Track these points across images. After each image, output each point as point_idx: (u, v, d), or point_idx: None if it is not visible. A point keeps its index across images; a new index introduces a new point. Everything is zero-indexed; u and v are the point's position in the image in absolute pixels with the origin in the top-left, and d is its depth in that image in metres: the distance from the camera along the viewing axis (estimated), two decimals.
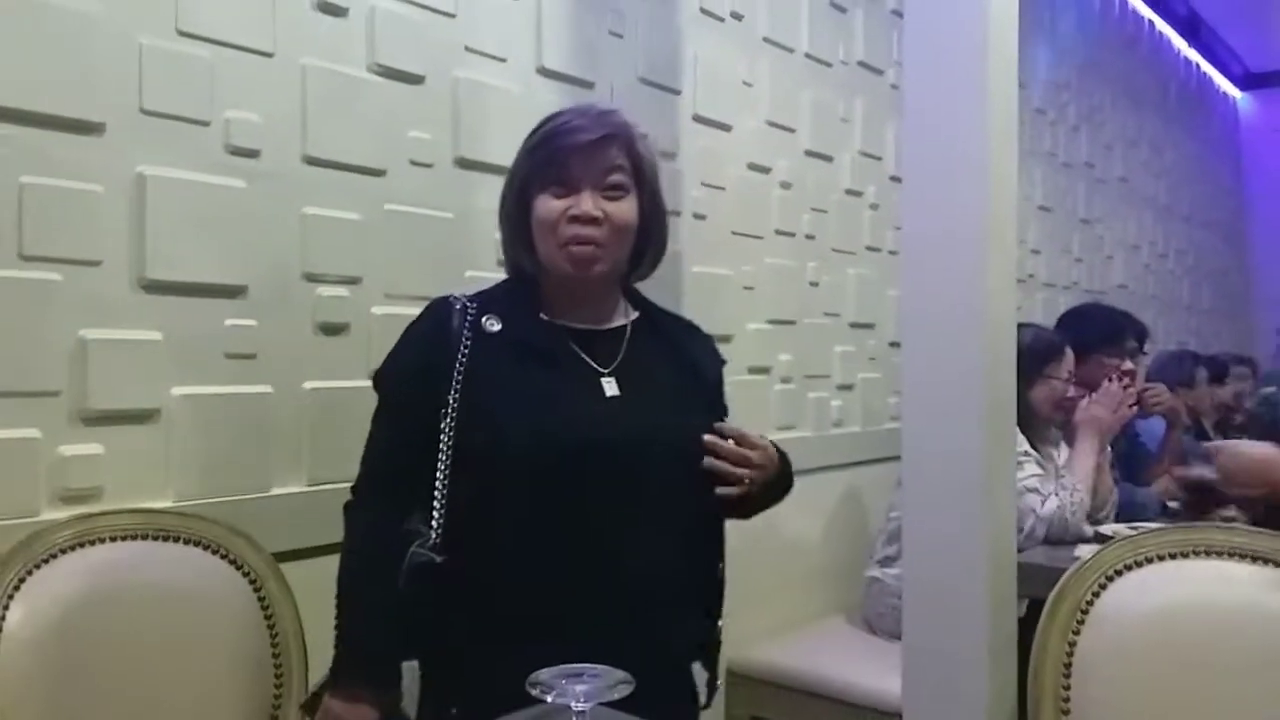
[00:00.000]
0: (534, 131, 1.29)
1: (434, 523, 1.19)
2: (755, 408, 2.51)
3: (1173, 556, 1.25)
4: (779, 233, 2.65)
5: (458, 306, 1.26)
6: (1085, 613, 1.29)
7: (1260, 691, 1.14)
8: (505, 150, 1.87)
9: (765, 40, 2.61)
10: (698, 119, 2.40)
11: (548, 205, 1.23)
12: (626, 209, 1.24)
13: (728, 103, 2.49)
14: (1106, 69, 4.55)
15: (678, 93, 2.35)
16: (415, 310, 1.70)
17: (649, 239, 1.30)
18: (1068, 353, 2.38)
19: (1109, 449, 2.39)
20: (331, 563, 1.25)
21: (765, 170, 2.61)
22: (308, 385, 1.60)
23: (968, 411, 1.71)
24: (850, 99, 2.92)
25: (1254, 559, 1.18)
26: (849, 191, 2.91)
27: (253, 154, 1.54)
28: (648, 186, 1.27)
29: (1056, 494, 2.13)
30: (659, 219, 1.31)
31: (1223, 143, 6.18)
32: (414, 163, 1.75)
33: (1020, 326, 2.01)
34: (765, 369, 2.59)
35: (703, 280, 2.39)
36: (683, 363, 1.32)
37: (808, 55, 2.76)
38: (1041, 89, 4.00)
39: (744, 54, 2.55)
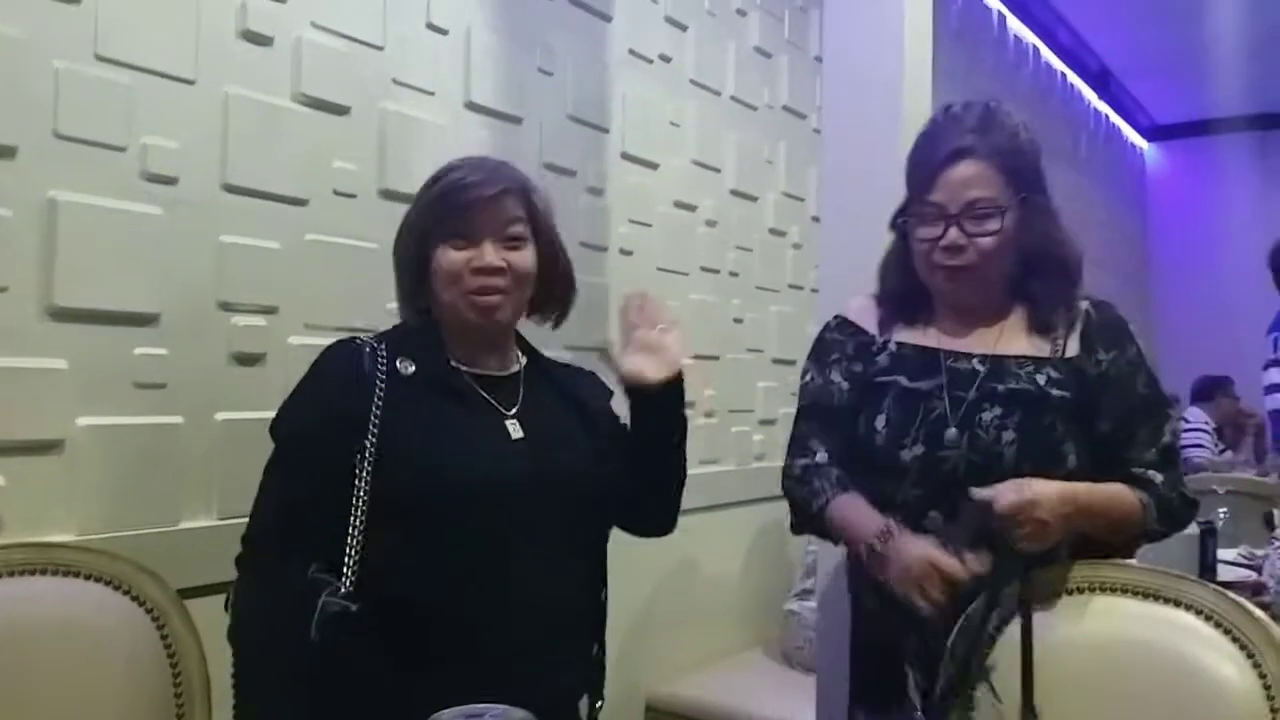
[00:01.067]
0: (430, 184, 1.30)
1: (346, 570, 1.16)
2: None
3: (1080, 591, 1.26)
4: (704, 269, 2.70)
5: (367, 350, 1.25)
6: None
7: None
8: None
9: (693, 82, 2.67)
10: (626, 157, 2.44)
11: (450, 257, 1.25)
12: (526, 258, 1.28)
13: (655, 142, 2.53)
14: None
15: (606, 131, 2.38)
16: (335, 340, 1.71)
17: (549, 284, 1.34)
18: None
19: None
20: None
21: (691, 208, 2.66)
22: (220, 416, 1.57)
23: None
24: (775, 141, 2.99)
25: (1150, 596, 1.21)
26: (772, 231, 2.98)
27: (170, 181, 1.52)
28: (544, 235, 1.31)
29: None
30: (556, 264, 1.34)
31: (1130, 191, 6.47)
32: (338, 193, 1.75)
33: None
34: (688, 404, 2.61)
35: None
36: (571, 405, 1.36)
37: (734, 98, 2.83)
38: None
39: (672, 95, 2.60)
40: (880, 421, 1.38)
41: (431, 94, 1.92)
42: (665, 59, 2.57)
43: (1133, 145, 6.57)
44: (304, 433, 1.23)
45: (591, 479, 1.29)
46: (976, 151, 1.34)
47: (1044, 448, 1.32)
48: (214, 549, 1.49)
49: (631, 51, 2.46)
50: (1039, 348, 1.37)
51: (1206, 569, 1.92)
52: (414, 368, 1.25)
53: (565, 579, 1.27)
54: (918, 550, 1.24)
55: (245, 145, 1.60)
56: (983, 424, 1.33)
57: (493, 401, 1.29)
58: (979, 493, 1.22)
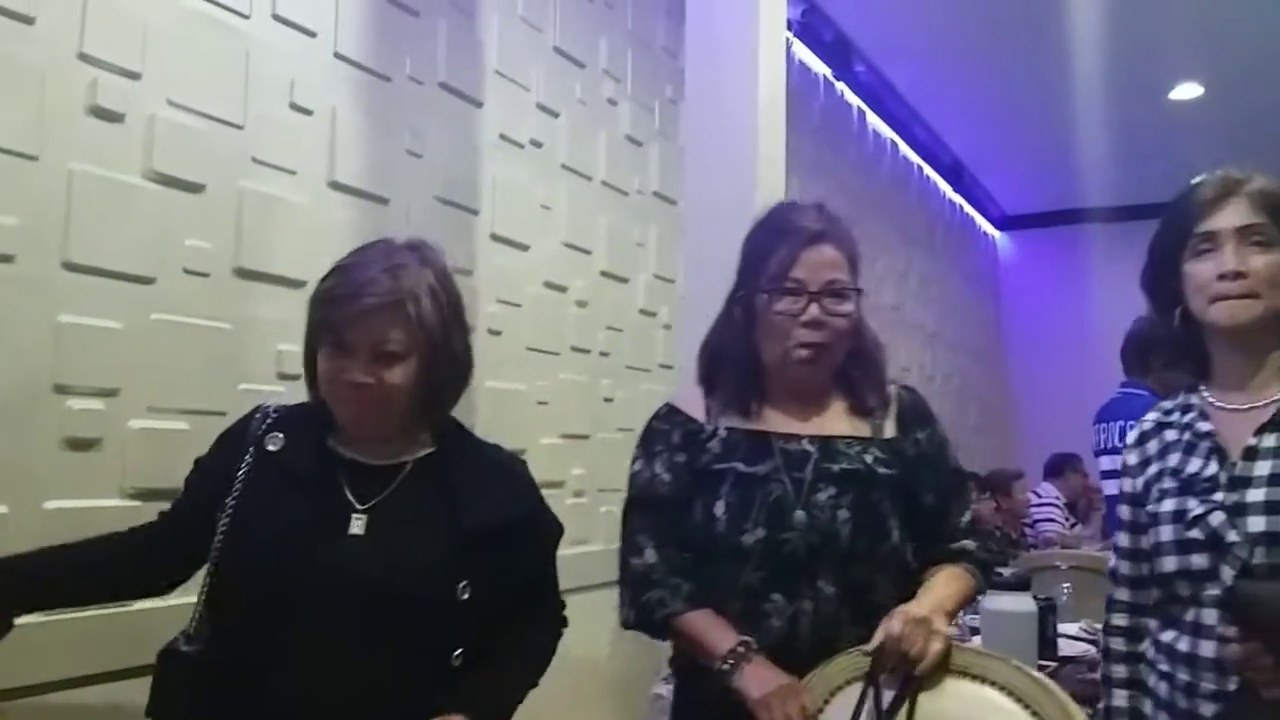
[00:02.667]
0: (325, 278, 1.29)
1: (194, 612, 1.26)
2: None
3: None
4: (574, 349, 2.73)
5: (258, 415, 1.32)
6: None
7: None
8: (292, 262, 1.88)
9: (564, 167, 2.73)
10: (495, 238, 2.47)
11: (326, 365, 1.27)
12: (397, 374, 1.25)
13: (526, 224, 2.57)
14: (881, 208, 5.01)
15: (475, 212, 2.41)
16: (182, 424, 1.66)
17: (436, 386, 1.30)
18: None
19: None
20: (61, 699, 1.19)
21: (562, 289, 2.69)
22: (49, 505, 1.49)
23: None
24: (645, 225, 3.07)
25: (962, 674, 1.26)
26: (643, 311, 3.04)
27: (6, 258, 1.45)
28: (429, 342, 1.27)
29: None
30: (442, 368, 1.30)
31: (983, 277, 6.88)
32: (188, 271, 1.70)
33: None
34: (558, 483, 2.61)
35: (496, 395, 2.41)
36: (450, 508, 1.29)
37: (605, 183, 2.90)
38: None
39: (543, 179, 2.65)
40: (719, 508, 1.39)
41: (293, 173, 1.91)
42: (536, 144, 2.63)
43: (985, 234, 7.00)
44: (193, 472, 1.35)
45: (419, 587, 1.23)
46: (831, 237, 1.42)
47: (874, 524, 1.38)
48: (38, 648, 1.40)
49: (503, 136, 2.51)
50: (861, 429, 1.44)
51: (1047, 644, 2.00)
52: (278, 446, 1.29)
53: (364, 685, 1.20)
54: (778, 679, 1.26)
55: (89, 222, 1.55)
56: (819, 504, 1.37)
57: (348, 492, 1.27)
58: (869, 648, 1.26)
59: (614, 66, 2.95)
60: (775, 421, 1.44)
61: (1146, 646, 1.35)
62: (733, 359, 1.47)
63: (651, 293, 3.08)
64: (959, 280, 6.23)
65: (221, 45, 1.78)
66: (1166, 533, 1.29)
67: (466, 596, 1.25)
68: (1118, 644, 1.39)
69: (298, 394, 1.41)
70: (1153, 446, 1.38)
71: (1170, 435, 1.36)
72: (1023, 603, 1.98)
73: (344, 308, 1.23)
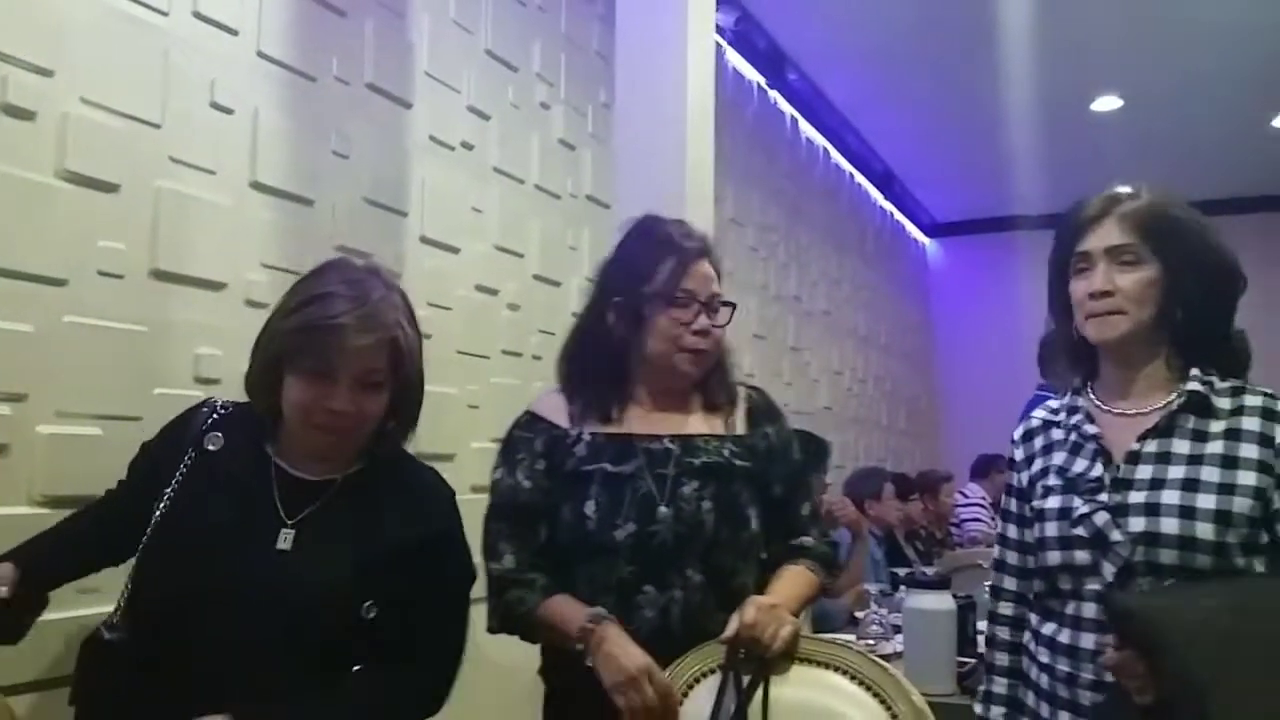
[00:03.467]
0: (298, 305, 1.28)
1: (119, 601, 1.26)
2: (474, 527, 2.49)
3: None
4: (506, 353, 2.72)
5: (204, 410, 1.34)
6: None
7: None
8: (212, 263, 1.85)
9: (496, 170, 2.73)
10: (425, 240, 2.45)
11: (303, 392, 1.26)
12: (377, 403, 1.29)
13: (456, 227, 2.55)
14: (813, 214, 5.09)
15: (404, 214, 2.39)
16: (94, 429, 1.62)
17: (398, 417, 1.35)
18: None
19: None
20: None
21: (493, 292, 2.68)
22: None
23: None
24: (579, 229, 3.08)
25: (805, 661, 1.34)
26: (576, 315, 3.03)
27: None
28: (402, 376, 1.31)
29: None
30: (410, 398, 1.35)
31: (914, 282, 7.02)
32: (102, 273, 1.66)
33: None
34: (487, 487, 2.60)
35: (427, 399, 2.38)
36: (373, 527, 1.30)
37: (538, 186, 2.90)
38: (756, 230, 4.40)
39: (474, 182, 2.64)
40: (589, 507, 1.46)
41: (213, 173, 1.87)
42: (468, 146, 2.61)
43: (916, 241, 7.15)
44: (139, 457, 1.36)
45: (329, 605, 1.24)
46: (711, 254, 1.56)
47: (735, 514, 1.49)
48: (46, 642, 1.36)
49: (433, 138, 2.49)
50: (716, 427, 1.55)
51: (967, 641, 2.05)
52: (217, 446, 1.30)
53: (263, 696, 1.18)
54: (630, 659, 1.31)
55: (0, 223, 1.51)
56: (684, 497, 1.46)
57: (279, 505, 1.28)
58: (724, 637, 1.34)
59: (547, 70, 2.95)
60: (636, 424, 1.52)
61: (1028, 639, 1.41)
62: (600, 364, 1.54)
63: (585, 297, 3.07)
64: (890, 286, 6.35)
65: (139, 43, 1.75)
66: (1052, 529, 1.35)
67: (371, 616, 1.26)
68: (1002, 633, 1.45)
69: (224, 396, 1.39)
70: (1039, 443, 1.45)
71: (1057, 434, 1.42)
72: (943, 601, 2.03)
73: (335, 338, 1.23)
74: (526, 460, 1.52)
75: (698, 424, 1.54)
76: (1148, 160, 5.19)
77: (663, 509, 1.44)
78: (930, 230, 7.31)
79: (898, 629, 2.22)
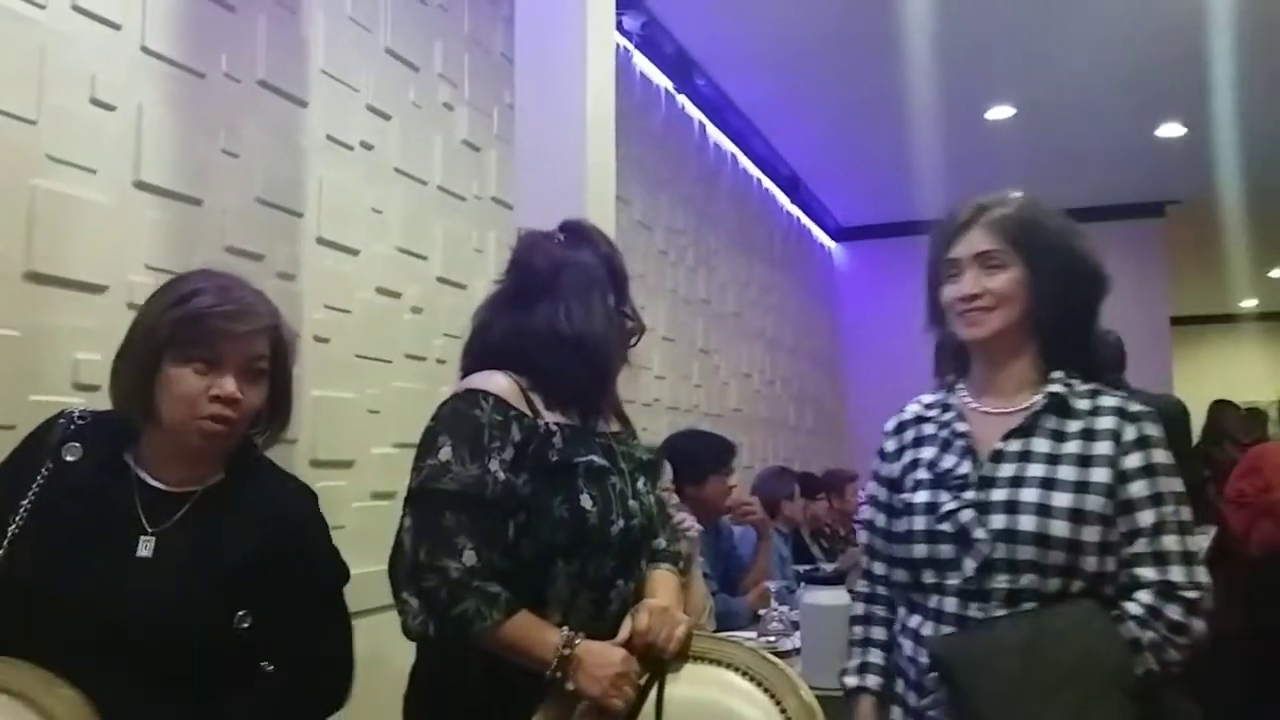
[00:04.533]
0: (178, 299, 1.29)
1: None
2: (378, 535, 2.45)
3: None
4: (409, 357, 2.68)
5: (61, 421, 1.30)
6: None
7: None
8: (93, 265, 1.78)
9: (397, 171, 2.69)
10: (322, 242, 2.40)
11: (188, 382, 1.26)
12: (259, 393, 1.32)
13: (355, 228, 2.51)
14: (722, 218, 5.15)
15: (300, 215, 2.34)
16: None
17: (273, 412, 1.38)
18: (665, 465, 2.61)
19: (702, 559, 2.62)
20: None
21: (395, 295, 2.65)
22: None
23: None
24: (484, 231, 3.05)
25: (700, 659, 1.37)
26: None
27: None
28: (282, 367, 1.36)
29: None
30: (285, 395, 1.38)
31: (821, 285, 7.17)
32: None
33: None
34: (389, 494, 2.56)
35: (323, 404, 2.35)
36: (237, 535, 1.30)
37: (441, 188, 2.87)
38: (665, 233, 4.44)
39: (374, 182, 2.60)
40: (586, 501, 1.40)
41: (93, 171, 1.81)
42: (367, 146, 2.57)
43: (822, 244, 7.29)
44: None
45: (198, 615, 1.23)
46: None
47: (660, 506, 1.57)
48: None
49: (330, 137, 2.44)
50: (616, 424, 1.59)
51: None
52: (77, 457, 1.27)
53: (133, 707, 1.18)
54: (613, 655, 1.34)
55: None
56: (641, 491, 1.51)
57: (141, 514, 1.27)
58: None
59: (450, 70, 2.92)
60: (577, 418, 1.50)
61: (896, 630, 1.46)
62: (576, 355, 1.48)
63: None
64: (797, 288, 6.47)
65: (13, 36, 1.67)
66: (919, 522, 1.39)
67: (245, 627, 1.25)
68: (876, 610, 1.51)
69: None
70: (909, 436, 1.49)
71: (928, 429, 1.47)
72: (838, 596, 2.07)
73: (224, 324, 1.27)
74: (499, 449, 1.39)
75: (612, 420, 1.57)
76: (1039, 167, 5.41)
77: (633, 503, 1.48)
78: (836, 234, 7.47)
79: (796, 625, 2.26)
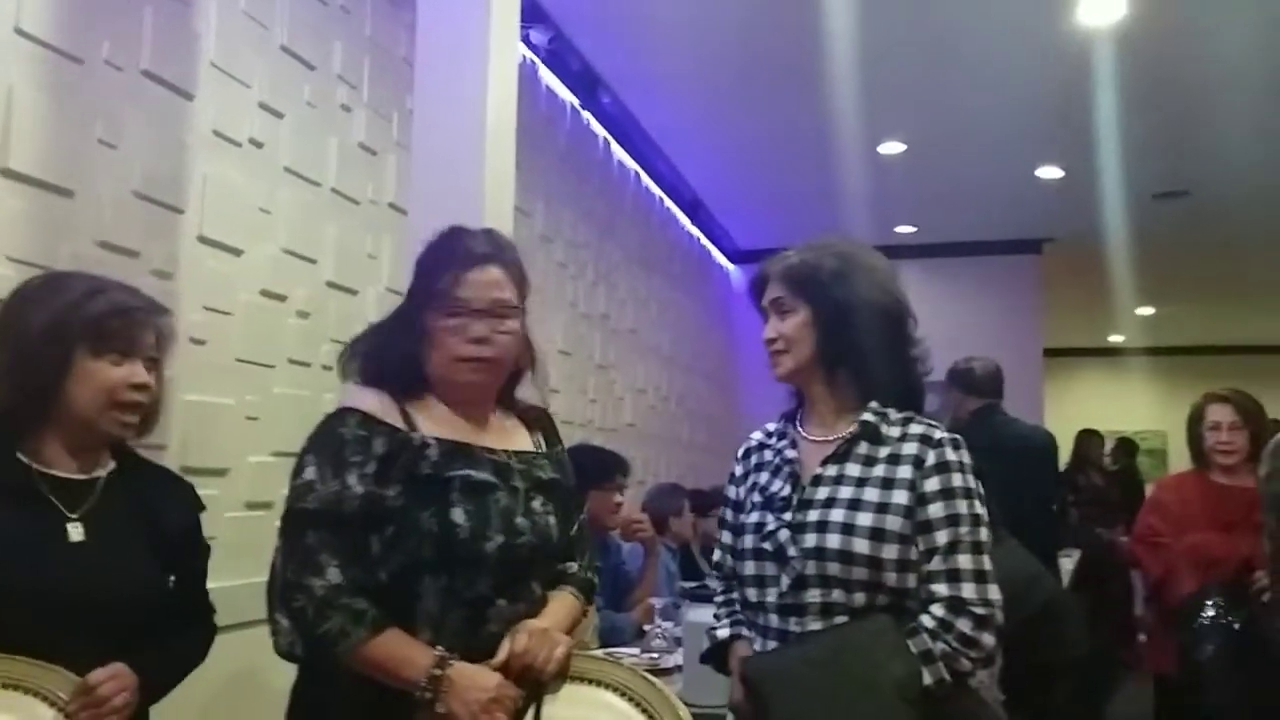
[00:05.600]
0: (83, 295, 1.37)
1: None
2: (253, 547, 2.36)
3: None
4: (293, 362, 2.60)
5: None
6: None
7: None
8: None
9: (288, 170, 2.61)
10: (204, 240, 2.31)
11: (108, 373, 1.37)
12: (159, 382, 1.45)
13: (240, 227, 2.42)
14: (623, 235, 5.18)
15: (181, 211, 2.25)
16: None
17: (150, 408, 1.47)
18: None
19: None
20: None
21: (281, 298, 2.56)
22: None
23: None
24: (379, 236, 2.99)
25: (576, 679, 1.37)
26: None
27: None
28: (165, 359, 1.48)
29: None
30: (162, 385, 1.48)
31: (718, 305, 7.27)
32: None
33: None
34: (266, 504, 2.47)
35: (197, 409, 2.25)
36: (145, 514, 1.46)
37: (335, 190, 2.80)
38: (566, 247, 4.43)
39: (263, 181, 2.51)
40: (458, 515, 1.38)
41: None
42: (256, 144, 2.49)
43: (720, 266, 7.41)
44: None
45: (144, 586, 1.42)
46: (498, 259, 1.51)
47: (565, 528, 1.52)
48: None
49: (217, 133, 2.36)
50: (529, 444, 1.57)
51: None
52: None
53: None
54: (487, 680, 1.32)
55: None
56: (536, 511, 1.47)
57: (57, 503, 1.36)
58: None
59: (349, 72, 2.86)
60: (471, 435, 1.48)
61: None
62: (404, 371, 1.49)
63: (385, 306, 2.96)
64: (695, 307, 6.55)
65: None
66: (749, 541, 1.50)
67: (171, 588, 1.45)
68: (728, 607, 1.60)
69: None
70: (753, 461, 1.61)
71: (767, 455, 1.59)
72: None
73: (133, 315, 1.40)
74: (360, 463, 1.39)
75: (519, 439, 1.54)
76: (927, 202, 5.63)
77: (521, 520, 1.44)
78: (734, 256, 7.59)
79: (679, 640, 2.27)
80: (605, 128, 4.95)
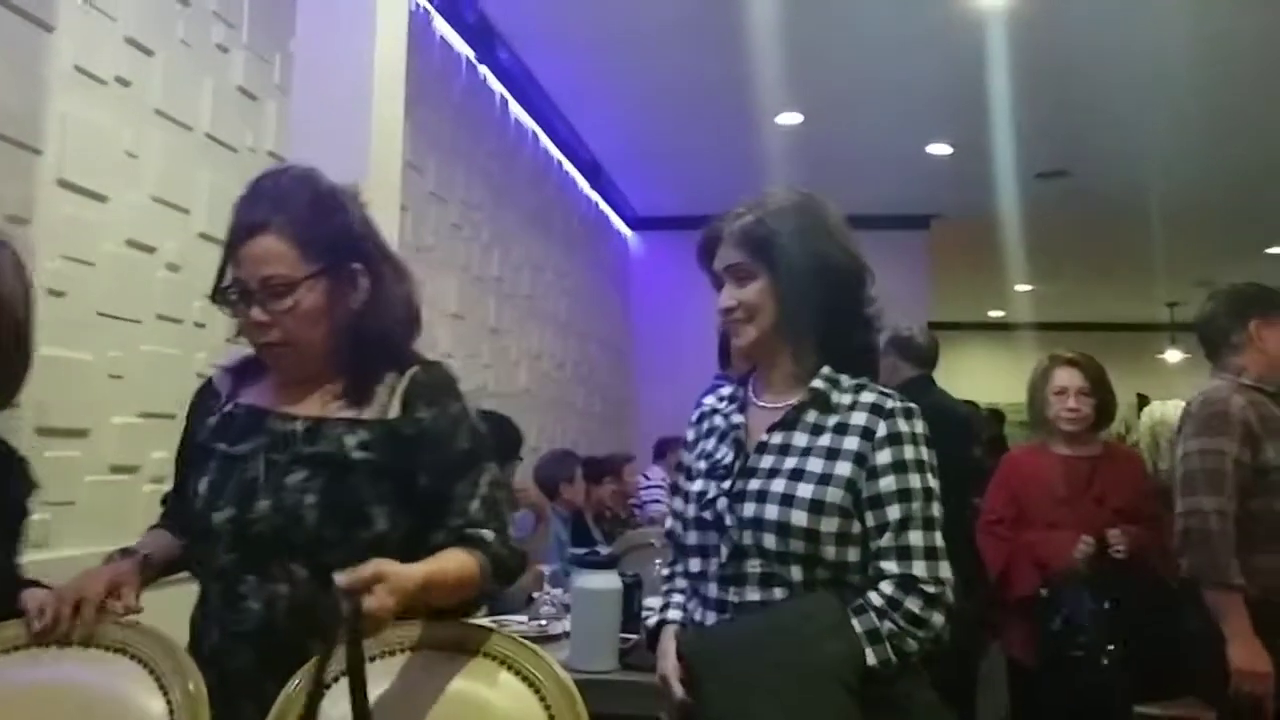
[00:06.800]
0: None
1: None
2: (115, 514, 2.23)
3: (381, 656, 1.24)
4: (161, 318, 2.45)
5: None
6: None
7: None
8: None
9: (158, 113, 2.44)
10: (64, 184, 2.14)
11: None
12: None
13: (105, 172, 2.26)
14: (519, 197, 5.07)
15: (38, 152, 2.07)
16: None
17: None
18: None
19: None
20: None
21: (149, 249, 2.41)
22: None
23: None
24: None
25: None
26: None
27: None
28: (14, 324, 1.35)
29: None
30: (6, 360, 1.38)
31: (616, 272, 7.23)
32: None
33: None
34: (133, 468, 2.33)
35: (54, 365, 2.09)
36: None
37: (209, 136, 2.64)
38: (459, 207, 4.31)
39: (130, 123, 2.35)
40: (203, 485, 1.35)
41: None
42: (123, 83, 2.32)
43: (619, 232, 7.36)
44: None
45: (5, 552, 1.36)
46: (271, 226, 1.31)
47: (347, 510, 1.31)
48: None
49: (79, 69, 2.18)
50: (355, 411, 1.36)
51: (632, 618, 2.12)
52: None
53: None
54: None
55: None
56: (288, 487, 1.31)
57: None
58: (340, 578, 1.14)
59: (227, 10, 2.69)
60: (281, 401, 1.38)
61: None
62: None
63: None
64: (593, 273, 6.49)
65: None
66: (692, 510, 1.45)
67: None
68: (679, 583, 1.53)
69: None
70: (704, 427, 1.55)
71: (717, 421, 1.52)
72: (609, 580, 2.08)
73: None
74: (185, 433, 1.45)
75: (335, 406, 1.35)
76: (822, 173, 5.62)
77: (261, 498, 1.30)
78: (633, 223, 7.56)
79: (568, 608, 2.25)
80: (503, 84, 4.82)
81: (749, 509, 1.37)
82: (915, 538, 1.35)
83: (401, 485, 1.34)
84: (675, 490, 1.56)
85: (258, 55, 2.82)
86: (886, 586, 1.34)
